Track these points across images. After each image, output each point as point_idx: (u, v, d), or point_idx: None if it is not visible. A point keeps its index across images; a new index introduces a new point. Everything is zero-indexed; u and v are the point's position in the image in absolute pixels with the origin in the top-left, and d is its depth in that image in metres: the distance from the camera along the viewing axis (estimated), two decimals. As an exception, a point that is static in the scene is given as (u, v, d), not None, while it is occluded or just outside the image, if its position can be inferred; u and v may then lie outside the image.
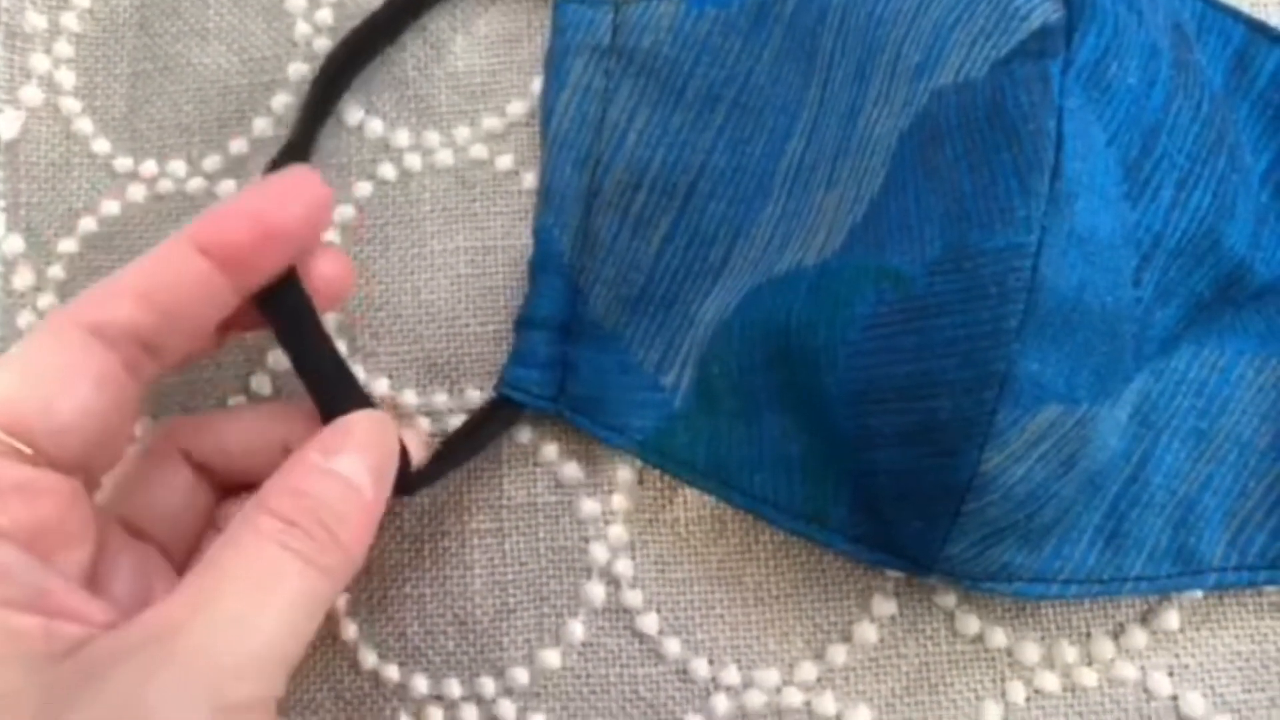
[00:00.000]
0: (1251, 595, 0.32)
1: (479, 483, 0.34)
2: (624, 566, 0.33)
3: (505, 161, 0.36)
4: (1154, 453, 0.30)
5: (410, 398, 0.34)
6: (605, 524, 0.33)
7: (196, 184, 0.36)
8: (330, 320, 0.34)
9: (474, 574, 0.33)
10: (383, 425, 0.29)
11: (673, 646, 0.32)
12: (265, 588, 0.25)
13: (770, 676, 0.32)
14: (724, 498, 0.32)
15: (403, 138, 0.36)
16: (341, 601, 0.33)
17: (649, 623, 0.33)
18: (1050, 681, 0.32)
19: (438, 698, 0.33)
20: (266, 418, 0.32)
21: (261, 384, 0.35)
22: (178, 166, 0.36)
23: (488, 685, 0.33)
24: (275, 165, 0.32)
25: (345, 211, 0.36)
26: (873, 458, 0.28)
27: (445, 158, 0.36)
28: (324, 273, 0.30)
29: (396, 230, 0.35)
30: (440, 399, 0.34)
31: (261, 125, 0.36)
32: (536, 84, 0.36)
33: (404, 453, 0.30)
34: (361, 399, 0.29)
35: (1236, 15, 0.33)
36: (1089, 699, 0.31)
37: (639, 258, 0.33)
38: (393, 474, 0.29)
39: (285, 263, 0.29)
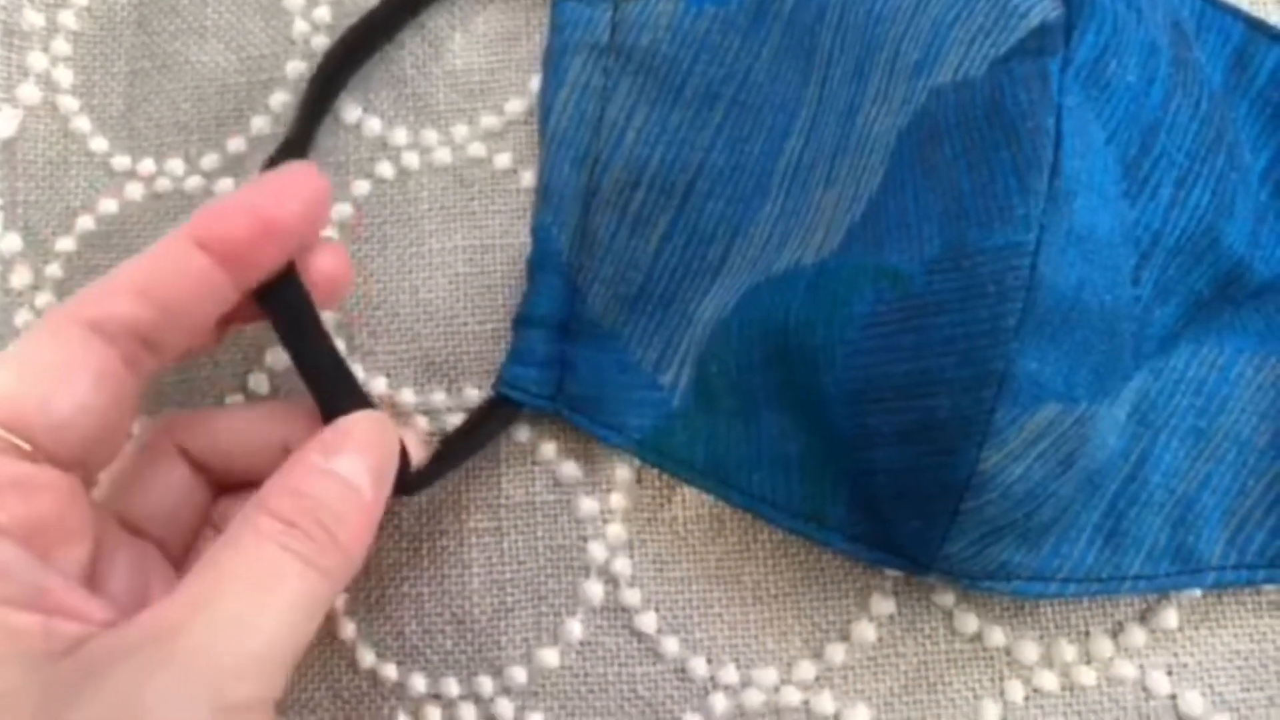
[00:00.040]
0: (1250, 594, 0.32)
1: (477, 481, 0.34)
2: (622, 565, 0.33)
3: (503, 160, 0.36)
4: (1153, 451, 0.30)
5: (408, 396, 0.34)
6: (603, 523, 0.33)
7: (194, 182, 0.36)
8: (328, 318, 0.34)
9: (472, 573, 0.33)
10: (382, 426, 0.29)
11: (671, 645, 0.32)
12: (265, 588, 0.25)
13: (768, 675, 0.32)
14: (722, 496, 0.32)
15: (401, 136, 0.36)
16: (340, 600, 0.33)
17: (647, 621, 0.33)
18: (1049, 680, 0.32)
19: (436, 696, 0.33)
20: (264, 416, 0.31)
21: (259, 383, 0.35)
22: (176, 165, 0.36)
23: (486, 684, 0.33)
24: (272, 163, 0.32)
25: (343, 210, 0.36)
26: (871, 456, 0.28)
27: (443, 156, 0.36)
28: (323, 268, 0.30)
29: (394, 229, 0.35)
30: (438, 397, 0.34)
31: (259, 124, 0.36)
32: (535, 82, 0.36)
33: (403, 453, 0.30)
34: (360, 395, 0.29)
35: (1236, 13, 0.33)
36: (1087, 698, 0.31)
37: (637, 256, 0.33)
38: (392, 474, 0.29)
39: (284, 258, 0.29)
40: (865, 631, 0.32)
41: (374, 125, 0.36)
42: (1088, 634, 0.32)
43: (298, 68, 0.36)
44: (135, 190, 0.36)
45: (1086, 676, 0.32)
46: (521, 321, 0.33)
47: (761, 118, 0.33)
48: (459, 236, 0.35)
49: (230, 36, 0.37)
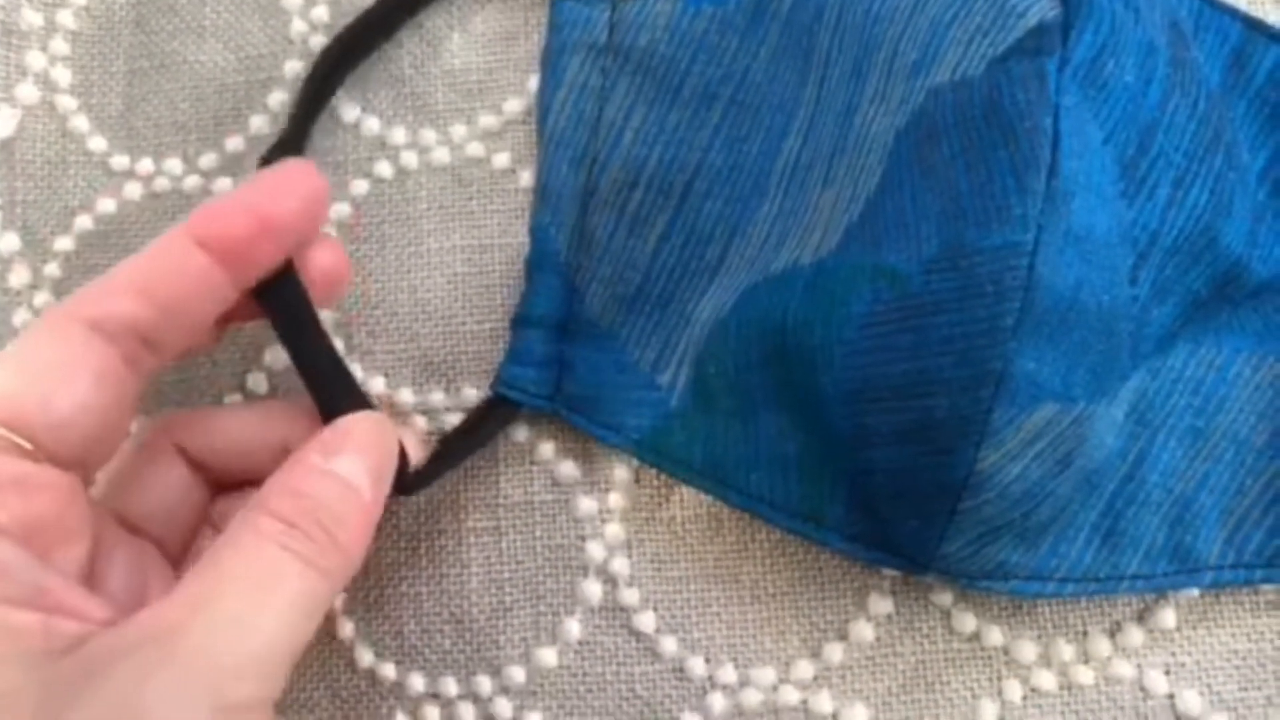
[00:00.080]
0: (1248, 593, 0.32)
1: (476, 481, 0.34)
2: (620, 565, 0.33)
3: (502, 160, 0.36)
4: (1150, 451, 0.30)
5: (407, 396, 0.34)
6: (602, 522, 0.33)
7: (193, 182, 0.36)
8: (327, 318, 0.34)
9: (471, 572, 0.33)
10: (382, 426, 0.29)
11: (669, 645, 0.32)
12: (265, 588, 0.25)
13: (767, 675, 0.32)
14: (720, 496, 0.32)
15: (399, 135, 0.36)
16: (338, 600, 0.33)
17: (645, 621, 0.33)
18: (1047, 680, 0.32)
19: (434, 696, 0.33)
20: (262, 416, 0.31)
21: (258, 382, 0.35)
22: (174, 164, 0.36)
23: (484, 684, 0.33)
24: (268, 160, 0.32)
25: (342, 209, 0.36)
26: (869, 456, 0.28)
27: (442, 156, 0.36)
28: (321, 264, 0.30)
29: (393, 228, 0.35)
30: (437, 397, 0.34)
31: (258, 123, 0.36)
32: (533, 82, 0.36)
33: (402, 453, 0.30)
34: (359, 395, 0.29)
35: (1234, 13, 0.33)
36: (1085, 697, 0.32)
37: (635, 256, 0.33)
38: (391, 475, 0.29)
39: (283, 256, 0.29)
40: (863, 631, 0.32)
41: (372, 125, 0.36)
42: (1085, 633, 0.32)
43: (296, 67, 0.36)
44: (133, 190, 0.36)
45: (1084, 676, 0.32)
46: (519, 321, 0.33)
47: (759, 117, 0.33)
48: (457, 236, 0.35)
49: (228, 36, 0.37)
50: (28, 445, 0.25)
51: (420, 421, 0.34)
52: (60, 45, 0.37)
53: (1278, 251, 0.31)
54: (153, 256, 0.27)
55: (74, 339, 0.26)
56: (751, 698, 0.32)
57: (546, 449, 0.34)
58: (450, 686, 0.33)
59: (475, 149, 0.36)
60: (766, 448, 0.31)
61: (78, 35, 0.37)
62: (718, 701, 0.32)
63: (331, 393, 0.29)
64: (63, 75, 0.37)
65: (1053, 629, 0.32)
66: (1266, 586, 0.32)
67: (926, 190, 0.27)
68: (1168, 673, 0.31)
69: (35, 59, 0.37)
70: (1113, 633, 0.32)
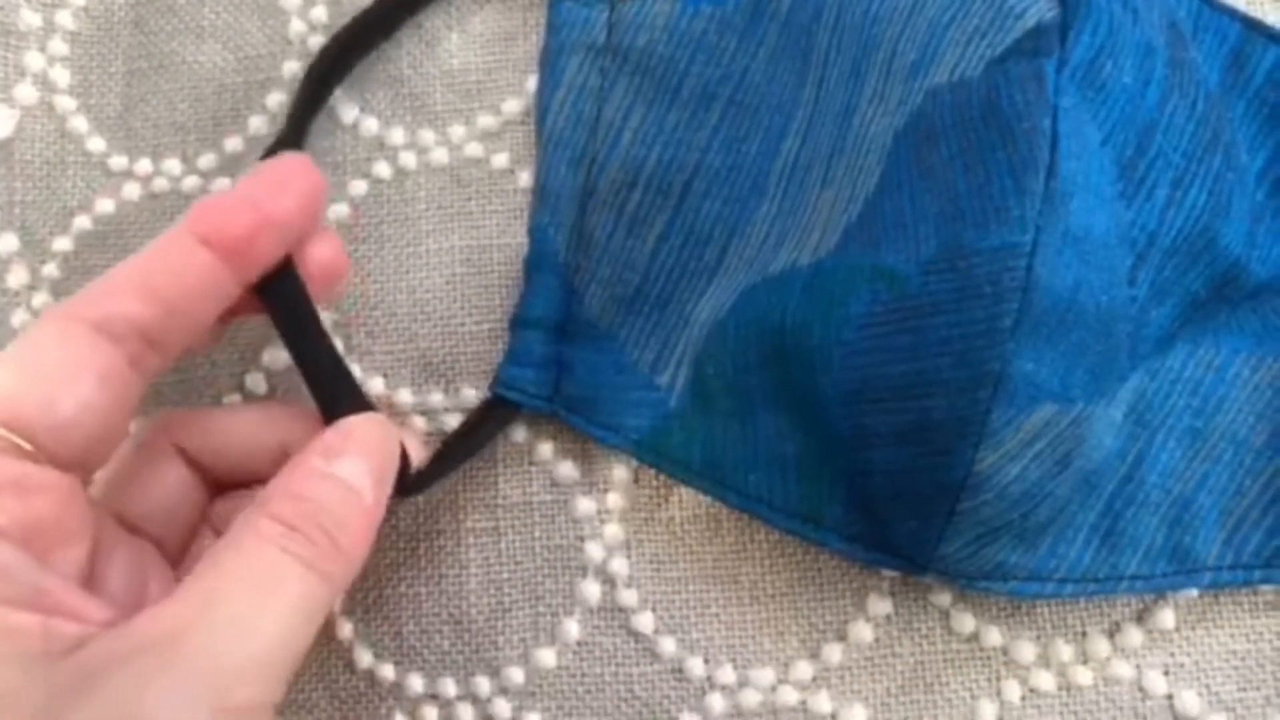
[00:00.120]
0: (1247, 594, 0.32)
1: (474, 482, 0.34)
2: (619, 565, 0.33)
3: (500, 160, 0.36)
4: (1149, 452, 0.30)
5: (405, 397, 0.34)
6: (601, 523, 0.33)
7: (192, 182, 0.36)
8: (326, 318, 0.34)
9: (469, 573, 0.33)
10: (383, 428, 0.29)
11: (668, 645, 0.33)
12: (266, 591, 0.25)
13: (765, 675, 0.32)
14: (719, 497, 0.32)
15: (398, 136, 0.36)
16: (337, 600, 0.33)
17: (644, 622, 0.33)
18: (1045, 680, 0.32)
19: (433, 697, 0.33)
20: (261, 416, 0.31)
21: (257, 382, 0.35)
22: (173, 165, 0.36)
23: (483, 684, 0.33)
24: (265, 158, 0.31)
25: (340, 210, 0.36)
26: (868, 457, 0.28)
27: (440, 156, 0.36)
28: (319, 258, 0.30)
29: (392, 229, 0.35)
30: (436, 398, 0.34)
31: (257, 123, 0.36)
32: (532, 82, 0.36)
33: (403, 454, 0.30)
34: (358, 394, 0.29)
35: (1232, 13, 0.33)
36: (1084, 698, 0.32)
37: (634, 257, 0.33)
38: (393, 477, 0.29)
39: (282, 251, 0.29)
40: (862, 631, 0.32)
41: (371, 125, 0.36)
42: (1084, 634, 0.32)
43: (295, 68, 0.36)
44: (132, 190, 0.36)
45: (1083, 676, 0.32)
46: (518, 322, 0.33)
47: (758, 118, 0.33)
48: (456, 237, 0.35)
49: (227, 36, 0.37)
50: (27, 446, 0.25)
51: (419, 422, 0.34)
52: (59, 46, 0.37)
53: (1276, 252, 0.31)
54: (154, 255, 0.27)
55: (78, 340, 0.26)
56: (750, 698, 0.32)
57: (545, 450, 0.34)
58: (449, 687, 0.33)
59: (474, 149, 0.36)
60: (765, 448, 0.31)
61: (76, 36, 0.37)
62: (716, 702, 0.32)
63: (332, 392, 0.29)
64: (61, 76, 0.37)
65: (1051, 629, 0.32)
66: (1265, 587, 0.32)
67: (925, 191, 0.27)
68: (1166, 673, 0.31)
69: (34, 59, 0.37)
70: (1112, 633, 0.32)
